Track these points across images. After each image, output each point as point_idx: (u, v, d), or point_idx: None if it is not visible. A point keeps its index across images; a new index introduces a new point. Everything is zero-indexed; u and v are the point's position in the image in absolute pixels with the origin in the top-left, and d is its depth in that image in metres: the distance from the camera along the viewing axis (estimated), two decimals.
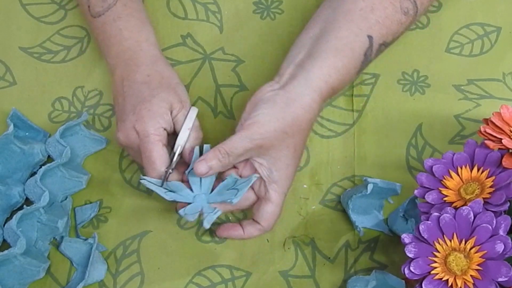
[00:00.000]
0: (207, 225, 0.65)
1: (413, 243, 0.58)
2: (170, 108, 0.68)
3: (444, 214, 0.57)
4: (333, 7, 0.71)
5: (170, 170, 0.66)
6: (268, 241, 0.72)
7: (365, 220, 0.72)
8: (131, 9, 0.73)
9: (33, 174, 0.72)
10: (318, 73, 0.66)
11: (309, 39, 0.69)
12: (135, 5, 0.74)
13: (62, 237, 0.71)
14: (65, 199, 0.72)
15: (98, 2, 0.73)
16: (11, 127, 0.71)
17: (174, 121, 0.68)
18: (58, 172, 0.71)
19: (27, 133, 0.74)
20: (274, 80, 0.68)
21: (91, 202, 0.73)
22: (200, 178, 0.67)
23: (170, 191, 0.66)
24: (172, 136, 0.69)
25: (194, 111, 0.69)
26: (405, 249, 0.57)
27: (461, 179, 0.62)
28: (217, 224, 0.71)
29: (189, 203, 0.67)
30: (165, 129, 0.67)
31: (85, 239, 0.71)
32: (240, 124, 0.66)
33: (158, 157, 0.66)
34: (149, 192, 0.74)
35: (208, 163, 0.64)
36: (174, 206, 0.72)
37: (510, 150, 0.60)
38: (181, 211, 0.66)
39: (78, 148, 0.74)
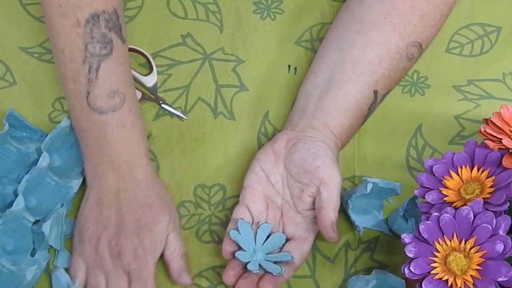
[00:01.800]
0: (253, 268, 0.66)
1: (413, 243, 0.58)
2: (165, 235, 0.68)
3: (444, 214, 0.57)
4: (341, 49, 0.71)
5: None
6: None
7: (365, 220, 0.72)
8: (135, 116, 0.68)
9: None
10: (333, 129, 0.70)
11: (316, 87, 0.71)
12: (137, 111, 0.69)
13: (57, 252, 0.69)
14: (61, 206, 0.70)
15: (102, 94, 0.66)
16: (6, 126, 0.71)
17: (166, 241, 0.68)
18: (46, 179, 0.70)
19: (24, 133, 0.73)
20: (286, 129, 0.71)
21: None
22: (256, 234, 0.68)
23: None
24: None
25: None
26: (405, 249, 0.57)
27: (461, 179, 0.62)
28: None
29: (243, 251, 0.67)
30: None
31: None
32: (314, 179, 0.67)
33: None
34: None
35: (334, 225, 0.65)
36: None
37: (510, 150, 0.60)
38: (239, 254, 0.66)
39: (75, 155, 0.73)
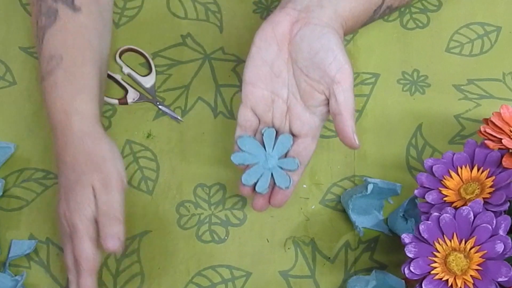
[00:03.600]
0: (261, 189, 0.64)
1: (413, 243, 0.58)
2: (93, 192, 0.63)
3: (444, 214, 0.57)
4: None
5: None
6: (268, 241, 0.72)
7: (365, 220, 0.72)
8: (69, 75, 0.67)
9: None
10: (342, 12, 0.64)
11: None
12: (76, 69, 0.67)
13: None
14: None
15: (44, 63, 0.68)
16: None
17: (98, 204, 0.63)
18: None
19: None
20: (288, 7, 0.63)
21: None
22: (276, 140, 0.65)
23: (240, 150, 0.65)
24: None
25: None
26: (405, 249, 0.57)
27: (461, 179, 0.62)
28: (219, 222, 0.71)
29: (251, 169, 0.65)
30: (93, 220, 0.63)
31: (13, 276, 0.69)
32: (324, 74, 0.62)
33: (86, 255, 0.62)
34: (149, 192, 0.74)
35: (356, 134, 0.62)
36: (173, 206, 0.73)
37: (510, 150, 0.60)
38: (243, 177, 0.64)
39: None
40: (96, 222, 0.63)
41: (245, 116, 0.65)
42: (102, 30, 0.71)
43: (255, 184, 0.65)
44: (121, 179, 0.64)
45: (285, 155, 0.66)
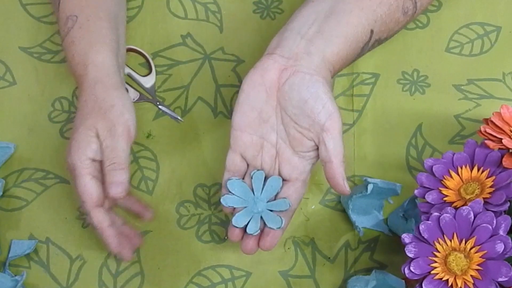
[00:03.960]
0: (253, 231, 0.64)
1: (413, 243, 0.58)
2: (96, 135, 0.64)
3: (444, 214, 0.57)
4: None
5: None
6: None
7: (365, 220, 0.72)
8: (84, 30, 0.70)
9: None
10: (330, 57, 0.65)
11: (317, 13, 0.66)
12: (90, 24, 0.70)
13: None
14: None
15: (61, 26, 0.71)
16: None
17: (103, 149, 0.64)
18: None
19: None
20: (276, 53, 0.64)
21: None
22: (264, 183, 0.65)
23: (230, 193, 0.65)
24: None
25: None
26: (405, 249, 0.57)
27: (461, 179, 0.62)
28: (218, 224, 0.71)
29: (241, 212, 0.65)
30: (93, 160, 0.64)
31: (13, 276, 0.69)
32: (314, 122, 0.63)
33: (85, 191, 0.64)
34: (149, 192, 0.74)
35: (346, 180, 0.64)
36: (173, 206, 0.73)
37: (510, 150, 0.60)
38: (234, 219, 0.64)
39: None
40: (101, 166, 0.64)
41: (234, 161, 0.66)
42: None
43: (245, 226, 0.65)
44: (128, 129, 0.65)
45: (275, 197, 0.65)
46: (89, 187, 0.64)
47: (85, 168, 0.64)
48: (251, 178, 0.65)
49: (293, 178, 0.65)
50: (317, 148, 0.64)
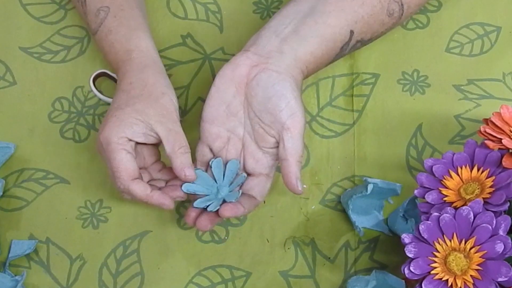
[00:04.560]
0: (213, 208, 0.65)
1: (413, 243, 0.58)
2: (144, 120, 0.65)
3: (444, 214, 0.57)
4: None
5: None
6: (268, 241, 0.72)
7: (365, 220, 0.72)
8: (121, 18, 0.71)
9: None
10: (303, 56, 0.67)
11: (296, 13, 0.68)
12: (125, 13, 0.72)
13: None
14: None
15: (92, 18, 0.72)
16: None
17: (159, 135, 0.65)
18: None
19: None
20: (250, 50, 0.66)
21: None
22: (225, 170, 0.67)
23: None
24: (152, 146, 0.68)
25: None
26: (405, 249, 0.57)
27: (461, 179, 0.62)
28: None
29: (202, 197, 0.66)
30: (130, 140, 0.65)
31: (13, 276, 0.69)
32: (274, 121, 0.65)
33: (121, 165, 0.64)
34: None
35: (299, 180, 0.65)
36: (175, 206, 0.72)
37: (510, 150, 0.60)
38: (196, 203, 0.65)
39: None
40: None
41: (202, 152, 0.68)
42: None
43: (204, 209, 0.66)
44: (177, 114, 0.67)
45: (240, 187, 0.67)
46: (125, 161, 0.64)
47: (120, 144, 0.64)
48: (210, 167, 0.67)
49: (257, 172, 0.67)
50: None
